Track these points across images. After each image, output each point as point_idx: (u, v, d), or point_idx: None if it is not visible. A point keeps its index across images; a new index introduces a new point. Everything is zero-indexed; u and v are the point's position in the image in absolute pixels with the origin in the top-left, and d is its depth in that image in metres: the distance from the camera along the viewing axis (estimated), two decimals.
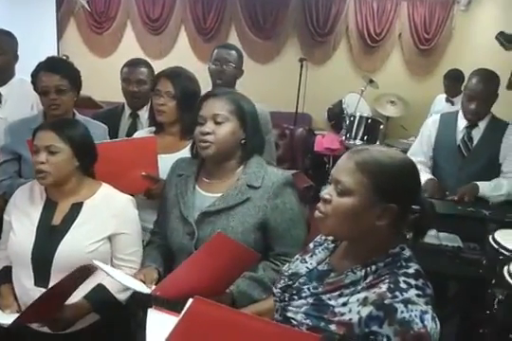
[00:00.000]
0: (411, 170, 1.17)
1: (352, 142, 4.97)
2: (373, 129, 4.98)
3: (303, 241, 1.62)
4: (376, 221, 1.13)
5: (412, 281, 1.10)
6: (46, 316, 1.56)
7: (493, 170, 2.71)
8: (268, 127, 2.83)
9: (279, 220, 1.61)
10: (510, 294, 1.55)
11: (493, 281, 1.59)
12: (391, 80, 5.86)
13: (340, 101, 5.62)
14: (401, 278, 1.10)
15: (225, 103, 1.63)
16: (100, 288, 1.70)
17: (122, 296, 1.74)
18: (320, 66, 5.98)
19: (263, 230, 1.62)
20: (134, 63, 2.66)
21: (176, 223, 1.68)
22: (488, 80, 2.66)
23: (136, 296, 1.84)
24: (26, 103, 2.64)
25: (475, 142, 2.72)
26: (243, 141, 1.66)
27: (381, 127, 5.06)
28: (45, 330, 1.63)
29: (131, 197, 1.84)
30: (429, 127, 2.91)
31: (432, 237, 2.46)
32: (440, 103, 5.04)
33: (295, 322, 1.16)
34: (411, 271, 1.12)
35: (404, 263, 1.14)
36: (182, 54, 5.83)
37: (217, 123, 1.61)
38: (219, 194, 1.64)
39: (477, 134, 2.73)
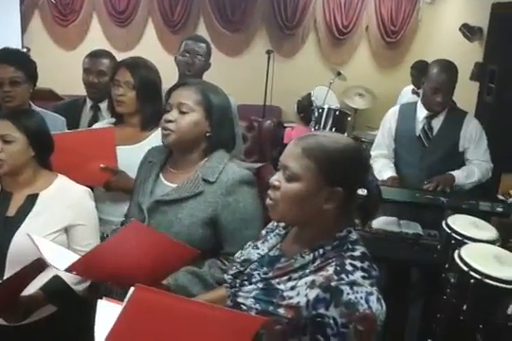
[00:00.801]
0: (357, 154, 1.19)
1: None
2: (341, 121, 5.02)
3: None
4: (324, 204, 1.15)
5: (358, 264, 1.12)
6: (1, 308, 1.54)
7: (454, 159, 2.76)
8: (236, 120, 2.83)
9: (229, 218, 1.57)
10: (461, 277, 1.59)
11: (446, 266, 1.63)
12: (358, 73, 5.92)
13: (309, 94, 5.64)
14: (347, 261, 1.12)
15: (192, 93, 1.61)
16: (56, 279, 1.68)
17: (79, 287, 1.72)
18: (288, 59, 6.00)
19: (213, 227, 1.59)
20: (96, 54, 2.62)
21: (133, 208, 1.68)
22: (449, 70, 2.69)
23: (94, 288, 1.83)
24: None
25: (435, 132, 2.76)
26: (208, 134, 1.63)
27: (349, 119, 5.10)
28: (1, 321, 1.61)
29: (87, 188, 1.83)
30: (390, 118, 2.94)
31: (393, 225, 2.51)
32: (406, 95, 5.10)
33: (245, 307, 1.17)
34: (357, 254, 1.15)
35: (350, 246, 1.16)
36: (149, 46, 5.77)
37: (181, 112, 1.59)
38: None
39: (437, 123, 2.77)
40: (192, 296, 1.47)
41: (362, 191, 1.23)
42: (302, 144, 1.17)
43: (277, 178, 1.18)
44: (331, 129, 4.99)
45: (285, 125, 5.50)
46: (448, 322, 1.67)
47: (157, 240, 1.36)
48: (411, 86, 5.05)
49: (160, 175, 1.69)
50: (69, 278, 1.69)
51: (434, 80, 2.64)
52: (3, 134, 1.64)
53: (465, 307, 1.55)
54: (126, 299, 1.01)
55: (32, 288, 1.61)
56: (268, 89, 5.41)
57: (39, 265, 1.51)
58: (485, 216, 2.25)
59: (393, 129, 2.89)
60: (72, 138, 1.93)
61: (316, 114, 5.09)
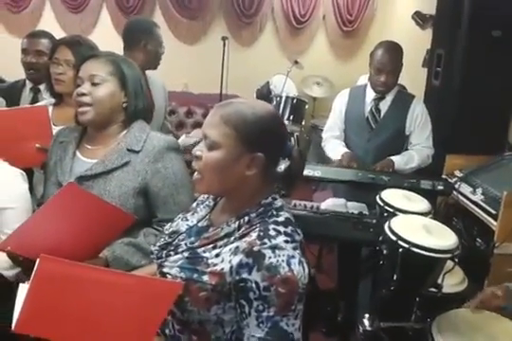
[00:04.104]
0: (274, 120, 1.19)
1: None
2: (298, 109, 5.04)
3: (188, 207, 1.56)
4: (246, 171, 1.15)
5: (282, 229, 1.13)
6: None
7: (399, 142, 2.81)
8: (166, 103, 2.87)
9: (160, 185, 1.58)
10: (390, 247, 1.62)
11: (380, 238, 1.65)
12: (316, 62, 5.93)
13: (268, 83, 5.64)
14: (271, 226, 1.13)
15: (104, 64, 1.59)
16: None
17: (9, 273, 1.67)
18: (247, 47, 5.96)
19: (144, 196, 1.58)
20: (34, 35, 2.55)
21: (53, 189, 1.63)
22: (393, 51, 2.73)
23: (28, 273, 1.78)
24: None
25: (382, 114, 2.80)
26: (124, 105, 1.62)
27: (306, 107, 5.13)
28: None
29: (20, 170, 1.77)
30: (340, 101, 2.98)
31: (341, 206, 2.54)
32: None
33: (170, 276, 1.16)
34: (280, 219, 1.16)
35: (275, 212, 1.17)
36: (104, 33, 5.63)
37: (94, 84, 1.56)
38: None
39: (384, 106, 2.80)
40: (133, 267, 1.47)
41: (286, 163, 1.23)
42: (220, 112, 1.17)
43: (199, 148, 1.18)
44: (289, 117, 5.02)
45: None
46: (385, 295, 1.69)
47: (95, 204, 1.33)
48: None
49: (77, 153, 1.65)
50: None
51: (378, 61, 2.68)
52: None
53: (395, 277, 1.58)
54: (33, 272, 0.97)
55: None
56: (225, 77, 5.37)
57: None
58: (427, 195, 2.30)
59: (343, 111, 2.92)
60: (4, 117, 1.86)
61: (274, 102, 5.09)
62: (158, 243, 1.28)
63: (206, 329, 1.15)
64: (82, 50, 2.06)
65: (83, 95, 1.55)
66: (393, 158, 2.73)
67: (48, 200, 1.35)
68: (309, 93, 5.80)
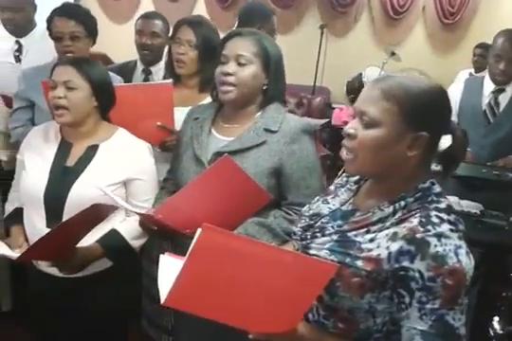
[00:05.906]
0: (441, 94, 1.08)
1: None
2: None
3: (319, 192, 1.50)
4: (408, 151, 1.05)
5: (445, 216, 1.04)
6: (56, 256, 1.52)
7: None
8: None
9: (294, 167, 1.54)
10: None
11: None
12: (413, 55, 5.69)
13: (360, 75, 5.49)
14: (433, 213, 1.04)
15: (250, 44, 1.56)
16: (114, 233, 1.66)
17: (136, 243, 1.70)
18: (340, 38, 5.83)
19: (277, 177, 1.56)
20: (149, 16, 2.55)
21: (189, 163, 1.63)
22: None
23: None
24: (47, 54, 2.52)
25: (502, 107, 2.61)
26: (265, 87, 1.59)
27: None
28: (55, 272, 1.59)
29: (148, 144, 1.78)
30: (453, 93, 2.80)
31: (454, 204, 2.39)
32: (462, 79, 4.91)
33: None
34: (442, 206, 1.06)
35: (435, 198, 1.07)
36: None
37: (240, 64, 1.54)
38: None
39: (504, 98, 2.61)
40: None
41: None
42: (381, 85, 1.06)
43: (352, 126, 1.09)
44: None
45: (334, 106, 5.37)
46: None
47: (243, 179, 1.34)
48: (469, 70, 4.85)
49: (212, 130, 1.65)
50: (127, 233, 1.67)
51: (498, 48, 2.52)
52: (66, 80, 1.60)
53: None
54: (194, 240, 0.94)
55: (89, 240, 1.60)
56: (319, 68, 5.27)
57: (96, 213, 1.49)
58: None
59: (457, 103, 2.75)
60: (131, 92, 1.86)
61: None
62: (300, 225, 1.23)
63: (355, 317, 1.08)
64: (204, 31, 2.05)
65: (229, 74, 1.53)
66: None
67: (202, 172, 1.35)
68: None
